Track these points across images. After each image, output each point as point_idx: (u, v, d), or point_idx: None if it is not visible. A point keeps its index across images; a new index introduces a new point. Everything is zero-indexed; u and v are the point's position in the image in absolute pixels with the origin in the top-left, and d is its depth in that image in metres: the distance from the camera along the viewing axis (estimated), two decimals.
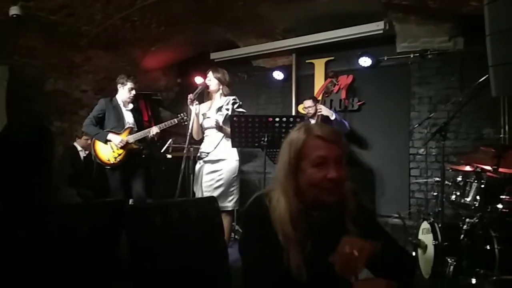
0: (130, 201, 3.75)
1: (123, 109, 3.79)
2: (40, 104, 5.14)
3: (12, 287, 1.11)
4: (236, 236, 4.52)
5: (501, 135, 4.05)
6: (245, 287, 1.24)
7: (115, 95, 3.81)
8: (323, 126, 1.22)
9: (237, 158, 3.29)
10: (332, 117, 4.25)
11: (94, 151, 3.75)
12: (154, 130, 3.74)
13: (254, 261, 1.16)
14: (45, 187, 1.46)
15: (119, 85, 3.78)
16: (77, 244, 1.31)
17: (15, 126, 1.58)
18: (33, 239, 1.18)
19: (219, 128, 3.20)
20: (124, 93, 3.76)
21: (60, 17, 4.27)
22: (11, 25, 4.08)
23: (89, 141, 4.31)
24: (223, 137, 3.24)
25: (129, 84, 3.75)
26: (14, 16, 3.89)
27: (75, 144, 4.83)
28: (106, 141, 3.66)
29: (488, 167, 2.84)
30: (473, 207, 2.96)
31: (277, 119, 2.83)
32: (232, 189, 3.24)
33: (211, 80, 3.30)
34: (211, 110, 3.33)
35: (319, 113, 4.25)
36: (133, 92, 3.78)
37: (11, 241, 1.12)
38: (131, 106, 3.84)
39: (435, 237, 3.00)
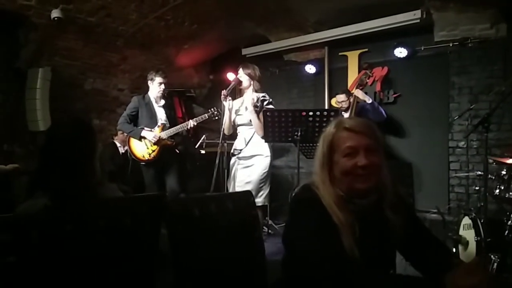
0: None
1: (155, 105, 3.87)
2: (80, 103, 5.36)
3: (61, 280, 1.17)
4: (270, 231, 4.55)
5: None
6: (296, 272, 1.27)
7: (148, 92, 3.90)
8: (352, 119, 1.30)
9: (269, 153, 3.30)
10: (369, 101, 4.18)
11: (129, 148, 3.87)
12: (191, 123, 3.80)
13: (311, 241, 1.17)
14: (90, 183, 1.52)
15: (149, 82, 3.87)
16: (120, 237, 1.36)
17: (59, 124, 1.66)
18: (80, 233, 1.23)
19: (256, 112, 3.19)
20: (154, 88, 3.84)
21: (98, 18, 4.42)
22: (53, 28, 4.27)
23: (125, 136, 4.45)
24: (254, 133, 3.25)
25: (158, 79, 3.81)
26: (56, 18, 4.06)
27: (115, 140, 5.02)
28: (140, 138, 3.77)
29: None
30: None
31: (310, 113, 2.81)
32: (262, 184, 3.25)
33: (242, 77, 3.32)
34: (242, 107, 3.35)
35: (356, 95, 4.18)
36: (163, 86, 3.82)
37: (59, 236, 1.17)
38: (163, 102, 3.91)
39: (477, 233, 2.89)
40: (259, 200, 3.25)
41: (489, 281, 0.97)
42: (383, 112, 4.35)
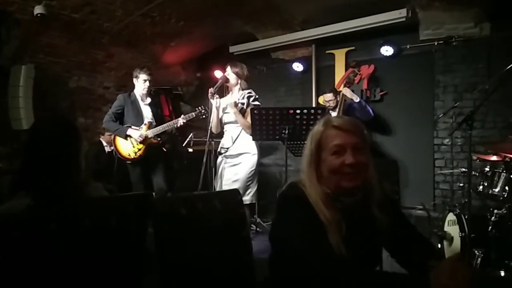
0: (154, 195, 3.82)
1: (141, 103, 3.83)
2: (65, 101, 5.27)
3: (45, 279, 1.15)
4: (258, 229, 4.55)
5: None
6: (283, 270, 1.27)
7: (133, 90, 3.86)
8: (340, 117, 1.31)
9: (256, 151, 3.30)
10: (357, 100, 4.20)
11: (115, 146, 3.83)
12: (181, 121, 3.78)
13: (298, 239, 1.18)
14: (74, 182, 1.50)
15: (134, 79, 3.83)
16: (106, 237, 1.34)
17: (42, 122, 1.63)
18: (64, 233, 1.21)
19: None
20: (140, 86, 3.79)
21: (83, 15, 4.34)
22: (36, 24, 4.18)
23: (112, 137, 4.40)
24: (241, 131, 3.25)
25: (143, 76, 3.76)
26: (39, 15, 3.98)
27: (101, 139, 4.95)
28: (126, 137, 3.73)
29: None
30: (501, 198, 2.88)
31: (298, 111, 2.81)
32: (250, 182, 3.26)
33: (229, 75, 3.31)
34: (230, 105, 3.34)
35: (344, 94, 4.18)
36: (147, 83, 3.78)
37: (42, 236, 1.15)
38: (149, 100, 3.87)
39: (461, 229, 2.94)
40: (247, 198, 3.25)
41: (472, 276, 0.99)
42: (371, 110, 4.38)
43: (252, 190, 3.29)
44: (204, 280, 1.44)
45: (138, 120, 3.79)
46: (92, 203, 1.39)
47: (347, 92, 4.23)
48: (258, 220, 4.69)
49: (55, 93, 5.10)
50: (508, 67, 2.53)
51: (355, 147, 1.22)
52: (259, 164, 3.42)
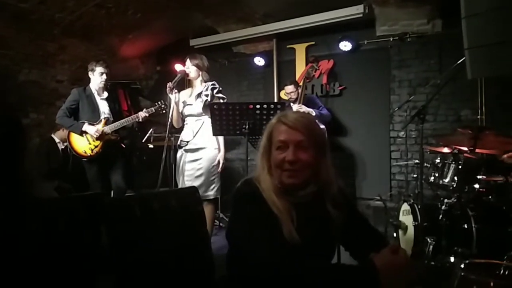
0: (112, 193, 3.71)
1: (98, 98, 3.69)
2: (14, 95, 4.98)
3: None
4: (221, 224, 4.54)
5: (478, 117, 4.14)
6: (238, 267, 1.27)
7: (89, 84, 3.71)
8: (293, 113, 1.31)
9: (217, 146, 3.27)
10: (313, 114, 4.16)
11: (70, 143, 3.67)
12: (142, 114, 3.67)
13: (249, 236, 1.18)
14: (19, 183, 1.42)
15: (90, 73, 3.67)
16: (54, 239, 1.29)
17: None
18: (7, 238, 1.14)
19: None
20: (96, 79, 3.65)
21: (31, 4, 4.11)
22: None
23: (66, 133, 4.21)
24: (202, 125, 3.21)
25: (99, 69, 3.62)
26: None
27: (53, 136, 4.71)
28: (81, 133, 3.58)
29: (465, 148, 2.90)
30: (451, 188, 3.04)
31: (257, 106, 2.81)
32: (213, 177, 3.22)
33: (189, 68, 3.26)
34: (191, 97, 3.28)
35: (299, 109, 4.19)
36: (104, 77, 3.64)
37: None
38: (105, 94, 3.74)
39: (415, 218, 3.07)
40: (211, 193, 3.22)
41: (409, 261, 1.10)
42: (327, 114, 4.38)
43: (216, 185, 3.26)
44: (162, 280, 1.41)
45: (95, 115, 3.65)
46: (39, 206, 1.32)
47: (303, 108, 4.17)
48: (222, 215, 4.68)
49: (2, 87, 4.81)
50: (458, 62, 2.64)
51: (298, 145, 1.23)
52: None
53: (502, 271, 1.04)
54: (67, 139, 3.72)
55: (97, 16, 4.64)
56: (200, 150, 3.20)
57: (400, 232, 3.36)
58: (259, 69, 5.63)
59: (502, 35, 1.82)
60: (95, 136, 3.56)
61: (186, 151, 3.24)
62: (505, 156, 2.89)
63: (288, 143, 1.24)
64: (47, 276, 1.25)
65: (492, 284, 0.91)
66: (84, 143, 3.60)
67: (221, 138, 3.30)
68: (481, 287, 0.95)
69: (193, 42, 5.76)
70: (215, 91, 3.23)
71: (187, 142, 3.23)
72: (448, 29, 4.31)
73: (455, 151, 3.01)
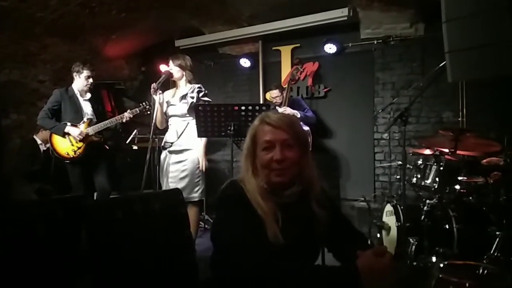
0: (95, 195, 3.65)
1: (81, 99, 3.64)
2: None
3: None
4: (206, 226, 4.52)
5: (459, 119, 4.22)
6: (221, 269, 1.27)
7: (72, 85, 3.65)
8: (275, 114, 1.34)
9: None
10: (298, 116, 4.19)
11: (51, 145, 3.60)
12: (126, 115, 3.63)
13: (237, 237, 1.18)
14: None
15: (74, 74, 3.62)
16: (33, 242, 1.26)
17: None
18: None
19: None
20: (80, 82, 3.61)
21: (12, 2, 4.01)
22: None
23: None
24: (186, 126, 3.19)
25: (86, 72, 3.59)
26: None
27: (35, 137, 4.62)
28: (64, 134, 3.52)
29: (447, 150, 2.95)
30: (433, 189, 3.08)
31: (242, 108, 2.81)
32: (198, 179, 3.20)
33: (173, 68, 3.23)
34: (175, 98, 3.26)
35: (284, 111, 4.19)
36: (90, 80, 3.62)
37: None
38: (88, 95, 3.69)
39: (398, 219, 3.11)
40: (196, 195, 3.19)
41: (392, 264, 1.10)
42: (311, 116, 4.42)
43: (201, 187, 3.24)
44: (144, 282, 1.39)
45: (77, 116, 3.59)
46: (17, 209, 1.29)
47: (287, 110, 4.20)
48: (207, 217, 4.66)
49: None
50: (440, 65, 2.69)
51: (284, 144, 1.26)
52: (207, 160, 3.37)
53: (480, 272, 1.06)
54: (49, 141, 3.65)
55: (80, 15, 4.56)
56: (185, 152, 3.17)
57: (384, 232, 3.39)
58: (245, 70, 5.63)
59: (482, 39, 1.86)
60: (78, 138, 3.50)
61: (171, 152, 3.22)
62: (484, 161, 2.96)
63: (274, 143, 1.25)
64: (25, 280, 1.22)
65: (467, 285, 0.93)
66: (66, 145, 3.54)
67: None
68: None
69: (178, 43, 5.72)
70: (201, 94, 3.21)
71: (171, 143, 3.21)
72: (431, 32, 4.38)
73: (437, 152, 3.06)
